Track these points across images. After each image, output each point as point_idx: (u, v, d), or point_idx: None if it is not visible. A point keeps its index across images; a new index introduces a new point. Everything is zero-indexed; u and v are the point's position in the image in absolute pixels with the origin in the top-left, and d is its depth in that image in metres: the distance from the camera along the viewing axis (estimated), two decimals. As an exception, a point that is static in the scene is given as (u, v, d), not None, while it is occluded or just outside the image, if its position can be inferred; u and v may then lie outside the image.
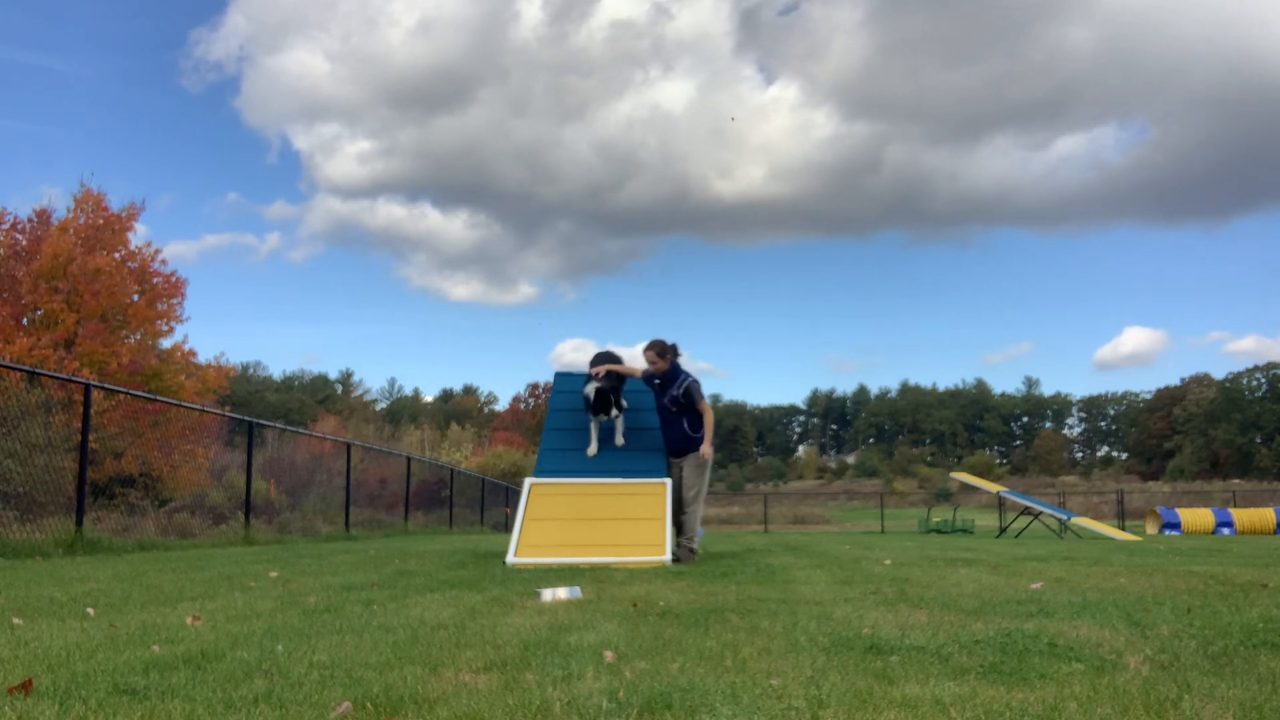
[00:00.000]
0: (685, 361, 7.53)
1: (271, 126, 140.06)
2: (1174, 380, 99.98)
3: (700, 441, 7.32)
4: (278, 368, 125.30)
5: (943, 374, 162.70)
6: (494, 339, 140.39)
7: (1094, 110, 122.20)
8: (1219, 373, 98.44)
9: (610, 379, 7.35)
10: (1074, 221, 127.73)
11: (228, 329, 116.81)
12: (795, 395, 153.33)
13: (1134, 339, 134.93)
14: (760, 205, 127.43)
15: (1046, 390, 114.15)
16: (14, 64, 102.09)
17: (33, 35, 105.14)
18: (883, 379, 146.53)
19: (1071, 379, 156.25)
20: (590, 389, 7.30)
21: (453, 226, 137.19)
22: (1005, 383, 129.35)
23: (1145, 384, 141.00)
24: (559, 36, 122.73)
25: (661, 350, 7.34)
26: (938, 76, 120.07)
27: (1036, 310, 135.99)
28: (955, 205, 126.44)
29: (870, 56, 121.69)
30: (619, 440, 7.51)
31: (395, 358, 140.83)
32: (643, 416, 7.67)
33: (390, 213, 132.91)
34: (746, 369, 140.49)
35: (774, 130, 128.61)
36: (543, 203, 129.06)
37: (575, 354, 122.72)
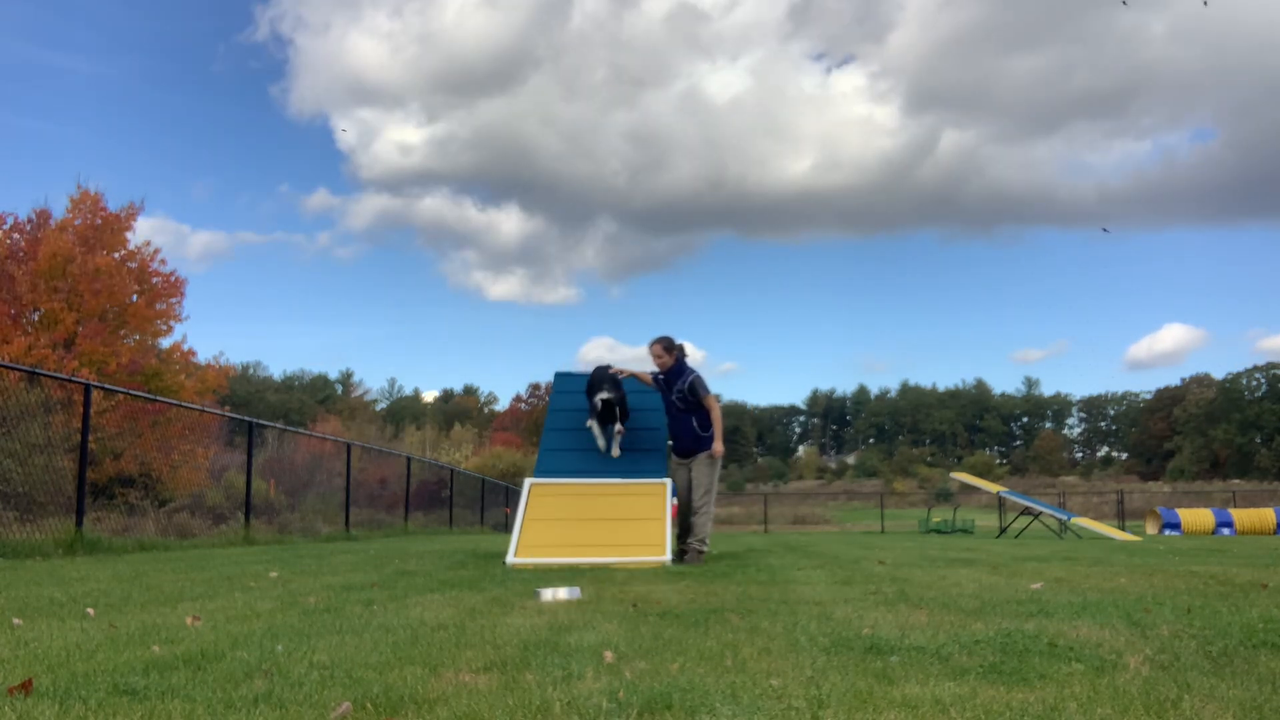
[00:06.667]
0: (692, 362, 7.52)
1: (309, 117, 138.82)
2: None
3: (709, 440, 7.27)
4: (280, 367, 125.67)
5: (975, 372, 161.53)
6: (494, 339, 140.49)
7: (1156, 107, 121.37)
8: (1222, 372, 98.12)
9: (617, 389, 7.37)
10: (1116, 220, 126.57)
11: (230, 329, 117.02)
12: (795, 395, 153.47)
13: (1171, 336, 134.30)
14: (803, 201, 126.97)
15: (1078, 390, 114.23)
16: (37, 63, 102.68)
17: (57, 33, 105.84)
18: (918, 377, 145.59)
19: (1103, 377, 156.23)
20: (598, 400, 7.34)
21: (476, 222, 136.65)
22: (1022, 383, 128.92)
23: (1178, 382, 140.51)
24: (612, 22, 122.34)
25: (669, 345, 7.36)
26: (997, 70, 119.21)
27: (1071, 309, 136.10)
28: (995, 202, 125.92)
29: (929, 50, 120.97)
30: (615, 452, 7.46)
31: (396, 358, 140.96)
32: (644, 416, 7.66)
33: (409, 210, 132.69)
34: (763, 367, 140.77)
35: (824, 125, 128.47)
36: (580, 198, 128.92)
37: (602, 353, 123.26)
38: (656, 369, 7.48)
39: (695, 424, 7.29)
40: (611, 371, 7.63)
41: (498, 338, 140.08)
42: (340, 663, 2.58)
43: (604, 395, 7.32)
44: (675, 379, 7.33)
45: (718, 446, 7.25)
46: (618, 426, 7.34)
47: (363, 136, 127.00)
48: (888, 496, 52.03)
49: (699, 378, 7.26)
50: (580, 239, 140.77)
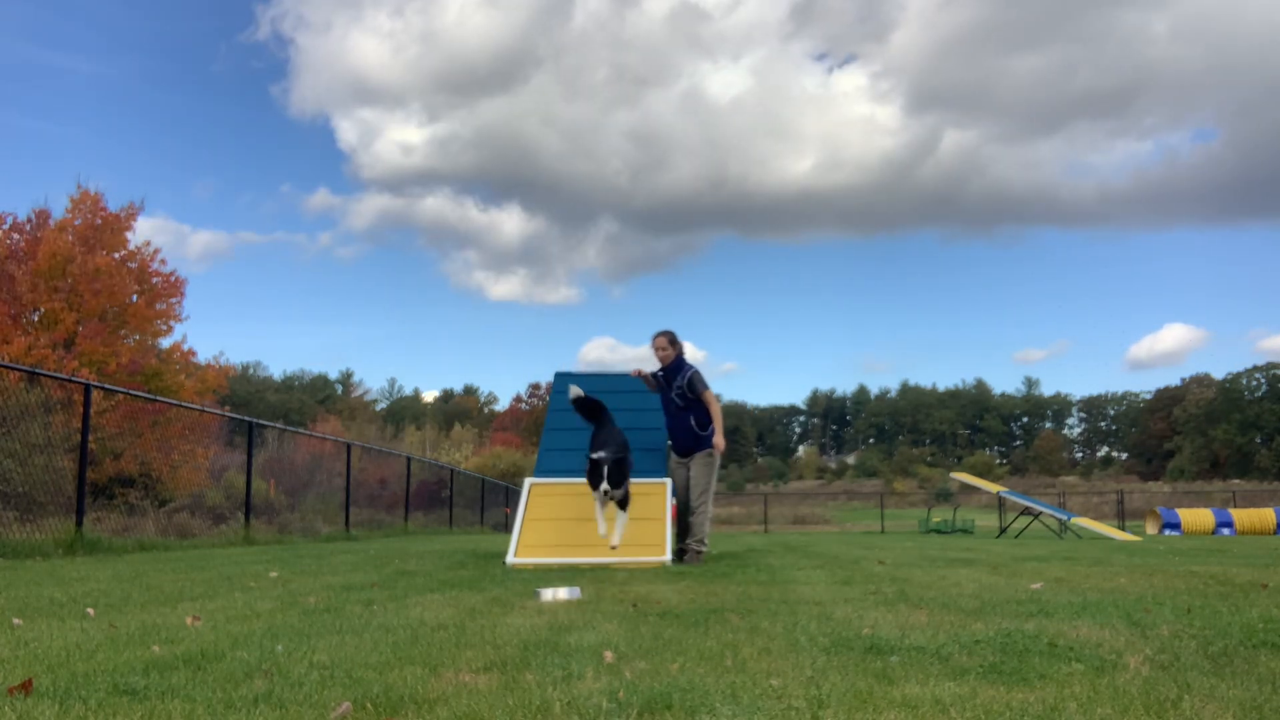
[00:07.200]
0: (691, 360, 7.51)
1: (309, 118, 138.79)
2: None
3: (707, 439, 7.25)
4: (280, 367, 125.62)
5: (975, 372, 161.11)
6: (494, 339, 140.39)
7: (1157, 106, 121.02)
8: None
9: (620, 449, 6.41)
10: (1117, 221, 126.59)
11: (230, 329, 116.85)
12: (795, 395, 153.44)
13: (1172, 336, 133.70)
14: (804, 201, 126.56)
15: (1078, 390, 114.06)
16: (37, 63, 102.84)
17: (57, 33, 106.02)
18: (918, 377, 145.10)
19: (1104, 377, 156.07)
20: (602, 460, 6.25)
21: (477, 222, 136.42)
22: (1022, 383, 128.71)
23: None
24: (613, 21, 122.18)
25: (673, 339, 7.40)
26: (998, 69, 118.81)
27: (1074, 308, 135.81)
28: (996, 202, 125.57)
29: (931, 50, 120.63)
30: (614, 540, 6.35)
31: (396, 358, 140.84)
32: (645, 417, 7.65)
33: (411, 209, 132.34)
34: (763, 367, 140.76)
35: (826, 125, 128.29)
36: (581, 198, 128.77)
37: (603, 353, 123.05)
38: (659, 364, 7.46)
39: (693, 422, 7.27)
40: (630, 373, 7.59)
41: (498, 338, 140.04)
42: (340, 663, 2.58)
43: (596, 454, 6.31)
44: (674, 375, 7.33)
45: (719, 440, 7.22)
46: (605, 486, 6.21)
47: (364, 136, 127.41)
48: (888, 496, 52.01)
49: (697, 372, 7.28)
50: (581, 239, 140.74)
